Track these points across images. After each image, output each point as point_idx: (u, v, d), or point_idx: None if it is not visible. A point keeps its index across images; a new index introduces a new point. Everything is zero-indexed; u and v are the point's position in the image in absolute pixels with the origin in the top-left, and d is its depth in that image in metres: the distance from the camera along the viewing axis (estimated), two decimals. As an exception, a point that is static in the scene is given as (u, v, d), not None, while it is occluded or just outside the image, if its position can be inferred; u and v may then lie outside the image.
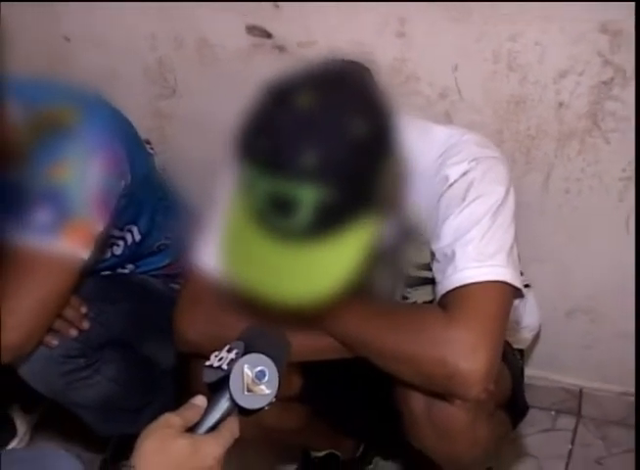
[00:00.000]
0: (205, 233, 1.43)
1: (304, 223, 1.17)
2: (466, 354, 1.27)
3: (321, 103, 1.16)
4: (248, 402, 1.09)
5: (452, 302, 1.32)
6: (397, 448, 1.99)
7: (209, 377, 1.11)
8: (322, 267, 1.21)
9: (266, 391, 1.10)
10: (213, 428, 1.09)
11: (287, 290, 1.21)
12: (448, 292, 1.33)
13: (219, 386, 1.10)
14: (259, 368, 1.10)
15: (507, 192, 1.37)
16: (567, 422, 2.10)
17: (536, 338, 1.92)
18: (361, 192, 1.18)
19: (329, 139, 1.15)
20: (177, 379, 2.02)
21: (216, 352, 1.13)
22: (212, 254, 1.38)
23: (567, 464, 1.99)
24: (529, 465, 2.00)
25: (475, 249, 1.32)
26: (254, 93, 1.21)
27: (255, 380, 1.10)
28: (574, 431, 2.07)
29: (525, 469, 1.99)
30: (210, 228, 1.42)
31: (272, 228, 1.19)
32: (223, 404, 1.10)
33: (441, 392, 1.36)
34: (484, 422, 1.45)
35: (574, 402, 2.11)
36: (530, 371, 1.90)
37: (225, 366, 1.10)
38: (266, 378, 1.10)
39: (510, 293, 1.36)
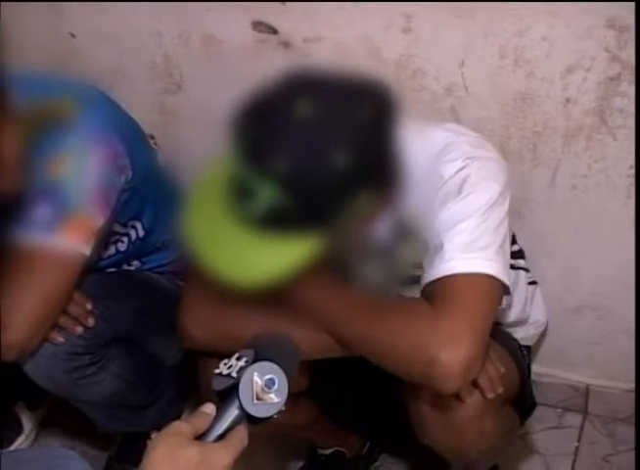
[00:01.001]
0: None
1: (255, 214, 1.20)
2: (448, 344, 1.26)
3: (319, 118, 1.18)
4: (257, 411, 1.09)
5: (437, 292, 1.32)
6: (403, 446, 1.99)
7: (219, 385, 1.11)
8: (263, 258, 1.24)
9: (275, 399, 1.10)
10: (222, 436, 1.09)
11: (236, 269, 1.24)
12: (433, 281, 1.32)
13: (229, 394, 1.10)
14: (269, 376, 1.10)
15: (502, 190, 1.36)
16: (573, 419, 2.09)
17: (543, 335, 1.91)
18: (316, 212, 1.21)
19: (308, 154, 1.18)
20: (182, 376, 2.03)
21: (226, 360, 1.13)
22: None
23: (573, 462, 1.99)
24: (536, 462, 1.99)
25: (463, 241, 1.32)
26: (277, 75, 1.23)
27: (265, 388, 1.10)
28: (581, 428, 2.07)
29: (531, 466, 1.99)
30: None
31: (234, 210, 1.23)
32: (232, 412, 1.10)
33: (419, 382, 1.35)
34: (492, 417, 1.44)
35: (581, 400, 2.10)
36: (537, 368, 1.90)
37: (235, 374, 1.10)
38: (276, 386, 1.10)
39: (498, 288, 1.35)
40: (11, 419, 2.10)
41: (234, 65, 1.86)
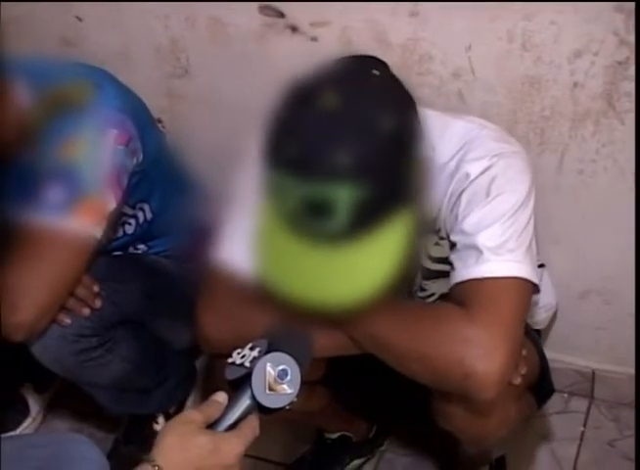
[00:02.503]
0: (228, 230, 1.43)
1: (341, 224, 1.15)
2: (484, 355, 1.26)
3: (345, 100, 1.15)
4: (269, 401, 1.09)
5: (471, 295, 1.31)
6: (411, 429, 1.99)
7: (232, 374, 1.11)
8: (362, 267, 1.20)
9: (288, 390, 1.10)
10: (234, 425, 1.09)
11: (326, 293, 1.20)
12: (466, 281, 1.32)
13: (241, 383, 1.10)
14: (282, 367, 1.10)
15: (528, 190, 1.36)
16: (579, 404, 2.09)
17: (551, 319, 1.91)
18: (395, 187, 1.17)
19: (359, 136, 1.14)
20: (189, 360, 2.03)
21: (239, 350, 1.13)
22: (236, 251, 1.38)
23: (579, 446, 1.99)
24: (542, 447, 2.00)
25: (496, 243, 1.31)
26: (274, 98, 1.19)
27: (278, 379, 1.09)
28: (587, 413, 2.07)
29: (537, 451, 1.99)
30: (233, 225, 1.41)
31: (307, 232, 1.18)
32: (244, 402, 1.09)
33: (455, 392, 1.35)
34: (515, 404, 1.45)
35: (587, 385, 2.10)
36: (543, 353, 1.90)
37: (248, 364, 1.10)
38: (288, 377, 1.10)
39: (529, 290, 1.35)
40: (18, 401, 2.11)
41: (240, 48, 1.86)
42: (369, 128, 1.15)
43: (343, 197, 1.13)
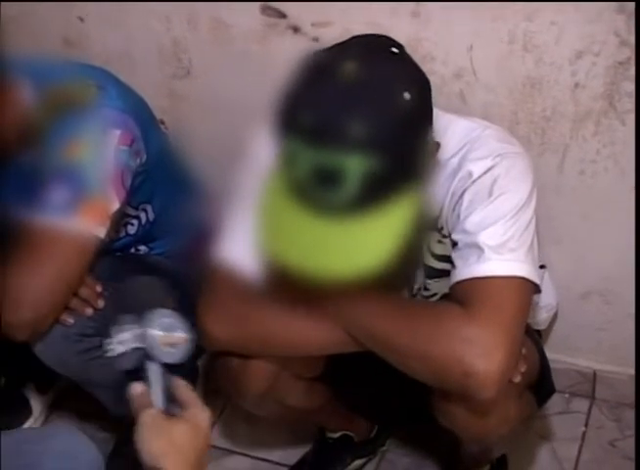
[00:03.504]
0: (229, 229, 1.43)
1: (350, 195, 1.15)
2: (484, 354, 1.26)
3: (364, 73, 1.15)
4: (174, 357, 1.10)
5: (471, 294, 1.31)
6: (412, 429, 1.99)
7: (126, 363, 1.13)
8: (368, 240, 1.19)
9: (183, 335, 1.11)
10: (168, 395, 1.11)
11: (331, 264, 1.20)
12: (466, 280, 1.32)
13: (142, 364, 1.11)
14: (161, 321, 1.10)
15: (530, 190, 1.37)
16: (580, 405, 2.09)
17: (552, 320, 1.91)
18: (406, 163, 1.17)
19: (376, 109, 1.14)
20: (192, 360, 2.03)
21: (108, 340, 1.14)
22: (238, 249, 1.38)
23: (580, 446, 1.99)
24: (543, 448, 1.99)
25: (497, 242, 1.32)
26: (292, 71, 1.19)
27: (167, 334, 1.10)
28: (588, 413, 2.07)
29: (538, 451, 1.99)
30: (235, 224, 1.41)
31: (316, 203, 1.18)
32: (157, 373, 1.11)
33: (455, 390, 1.35)
34: (516, 402, 1.45)
35: (588, 385, 2.11)
36: (544, 353, 1.90)
37: (138, 344, 1.11)
38: (172, 324, 1.11)
39: (530, 289, 1.35)
40: (20, 402, 2.11)
41: (242, 49, 1.87)
42: (385, 102, 1.15)
43: (354, 167, 1.13)
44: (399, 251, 1.19)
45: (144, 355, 1.09)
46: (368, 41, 1.25)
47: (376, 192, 1.16)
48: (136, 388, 1.13)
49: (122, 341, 1.11)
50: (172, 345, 1.09)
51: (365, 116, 1.13)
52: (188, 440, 1.07)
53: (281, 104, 1.18)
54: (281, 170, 1.22)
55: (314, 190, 1.17)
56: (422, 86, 1.21)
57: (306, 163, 1.15)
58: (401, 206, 1.19)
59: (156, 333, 1.08)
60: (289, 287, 1.27)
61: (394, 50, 1.22)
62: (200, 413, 1.10)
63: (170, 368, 1.10)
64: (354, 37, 1.25)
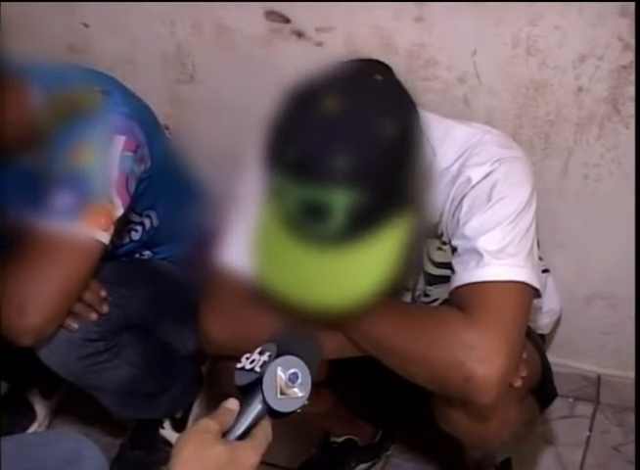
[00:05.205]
0: (231, 232, 1.43)
1: (338, 228, 1.16)
2: (483, 359, 1.26)
3: (347, 105, 1.16)
4: (281, 406, 1.08)
5: (471, 299, 1.31)
6: (415, 433, 1.99)
7: (241, 380, 1.10)
8: (358, 271, 1.20)
9: (299, 393, 1.09)
10: (247, 431, 1.08)
11: (322, 295, 1.21)
12: (466, 285, 1.32)
13: (251, 389, 1.09)
14: (292, 371, 1.09)
15: (530, 195, 1.37)
16: (585, 409, 2.09)
17: (555, 324, 1.91)
18: (393, 192, 1.18)
19: (358, 142, 1.15)
20: (196, 365, 2.04)
21: (247, 355, 1.12)
22: (238, 253, 1.38)
23: (585, 451, 1.99)
24: (547, 452, 2.00)
25: (496, 247, 1.32)
26: (276, 100, 1.19)
27: (289, 383, 1.08)
28: (592, 418, 2.07)
29: (543, 456, 1.99)
30: (236, 228, 1.41)
31: (305, 235, 1.19)
32: (256, 407, 1.09)
33: (454, 396, 1.36)
34: (517, 407, 1.45)
35: (593, 389, 2.10)
36: (549, 358, 1.89)
37: (258, 369, 1.09)
38: (299, 381, 1.09)
39: (530, 294, 1.35)
40: (24, 407, 2.11)
41: (246, 54, 1.86)
42: (368, 134, 1.16)
43: (340, 201, 1.14)
44: (393, 274, 1.20)
45: (258, 382, 1.09)
46: (352, 70, 1.25)
47: (364, 223, 1.17)
48: (230, 402, 1.11)
49: (254, 360, 1.11)
50: (286, 394, 1.09)
51: (348, 150, 1.14)
52: (217, 465, 1.06)
53: (266, 136, 1.18)
54: (271, 202, 1.23)
55: (303, 223, 1.18)
56: (407, 114, 1.21)
57: (293, 197, 1.16)
58: (392, 233, 1.20)
59: (280, 375, 1.08)
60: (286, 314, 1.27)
61: (377, 77, 1.22)
62: (249, 451, 1.07)
63: (270, 412, 1.10)
64: (340, 65, 1.25)
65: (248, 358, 1.11)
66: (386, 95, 1.22)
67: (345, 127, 1.15)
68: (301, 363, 1.10)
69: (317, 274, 1.21)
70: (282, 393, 1.08)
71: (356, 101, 1.17)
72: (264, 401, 1.08)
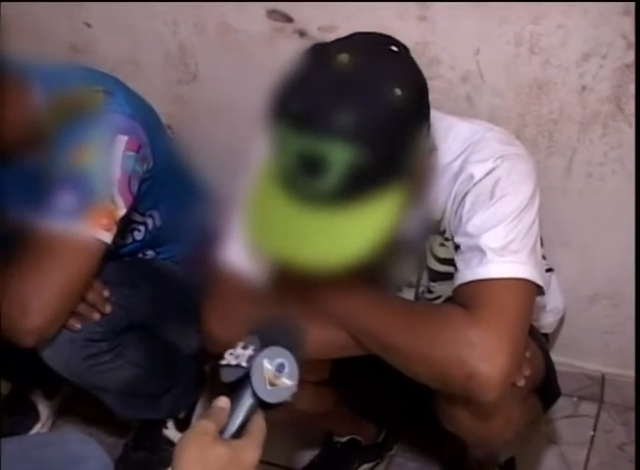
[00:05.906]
0: (233, 232, 1.43)
1: (334, 185, 1.16)
2: (486, 357, 1.26)
3: (359, 65, 1.16)
4: (272, 397, 1.09)
5: (473, 297, 1.31)
6: (419, 433, 1.99)
7: (229, 376, 1.10)
8: (348, 232, 1.20)
9: (288, 383, 1.10)
10: (241, 427, 1.09)
11: (314, 253, 1.21)
12: (469, 283, 1.32)
13: (240, 384, 1.09)
14: (279, 361, 1.09)
15: (533, 191, 1.36)
16: (589, 408, 2.09)
17: (559, 323, 1.91)
18: (393, 158, 1.17)
19: (366, 101, 1.15)
20: (199, 366, 2.04)
21: (231, 350, 1.12)
22: (241, 252, 1.39)
23: (589, 450, 1.99)
24: (551, 451, 1.99)
25: (499, 244, 1.31)
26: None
27: (276, 373, 1.09)
28: (597, 417, 2.07)
29: (547, 455, 1.99)
30: (239, 227, 1.41)
31: (301, 191, 1.19)
32: (246, 402, 1.09)
33: (457, 393, 1.35)
34: (519, 406, 1.45)
35: (597, 388, 2.10)
36: (552, 357, 1.89)
37: (244, 363, 1.09)
38: (286, 370, 1.10)
39: (533, 291, 1.35)
40: (28, 407, 2.11)
41: (249, 53, 1.86)
42: (377, 95, 1.15)
43: (339, 157, 1.14)
44: (384, 243, 1.20)
45: (245, 376, 1.09)
46: (369, 37, 1.26)
47: (360, 184, 1.17)
48: (221, 401, 1.11)
49: (238, 355, 1.11)
50: (275, 385, 1.09)
51: (352, 106, 1.14)
52: (219, 466, 1.06)
53: (274, 92, 1.18)
54: (270, 159, 1.23)
55: (299, 178, 1.18)
56: (416, 86, 1.21)
57: (292, 149, 1.16)
58: (384, 201, 1.20)
59: (267, 366, 1.09)
60: (280, 277, 1.28)
61: (394, 48, 1.22)
62: (251, 449, 1.07)
63: (262, 404, 1.10)
64: (358, 33, 1.26)
65: (231, 354, 1.11)
66: (399, 64, 1.22)
67: (355, 85, 1.15)
68: (286, 352, 1.10)
69: (306, 233, 1.21)
70: (271, 384, 1.09)
71: (369, 62, 1.18)
72: (255, 395, 1.08)
